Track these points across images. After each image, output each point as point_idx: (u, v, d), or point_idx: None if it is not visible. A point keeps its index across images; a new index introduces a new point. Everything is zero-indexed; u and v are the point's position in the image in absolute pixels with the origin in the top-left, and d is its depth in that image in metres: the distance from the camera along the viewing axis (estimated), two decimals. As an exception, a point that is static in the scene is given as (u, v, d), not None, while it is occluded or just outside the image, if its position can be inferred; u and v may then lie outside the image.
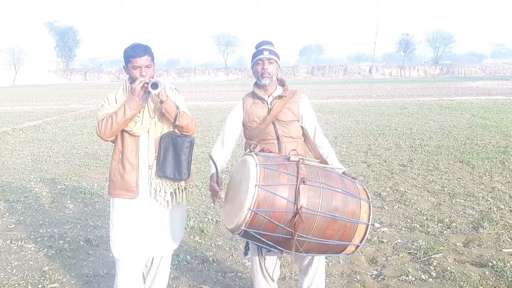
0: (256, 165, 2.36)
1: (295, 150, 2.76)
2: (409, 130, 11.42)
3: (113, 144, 2.83)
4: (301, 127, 2.90)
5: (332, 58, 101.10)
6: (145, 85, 2.60)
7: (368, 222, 2.45)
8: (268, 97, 2.84)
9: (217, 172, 2.78)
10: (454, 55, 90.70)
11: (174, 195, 2.80)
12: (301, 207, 2.30)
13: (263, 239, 2.41)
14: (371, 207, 2.50)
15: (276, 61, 2.81)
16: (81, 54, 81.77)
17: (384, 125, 12.59)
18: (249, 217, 2.30)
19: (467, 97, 22.43)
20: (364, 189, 2.56)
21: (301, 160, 2.45)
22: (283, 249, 2.43)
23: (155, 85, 2.56)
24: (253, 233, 2.37)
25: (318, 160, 2.76)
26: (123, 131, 2.70)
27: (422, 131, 11.20)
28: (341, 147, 9.09)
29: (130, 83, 2.74)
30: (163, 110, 2.68)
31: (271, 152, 2.67)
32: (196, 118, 14.76)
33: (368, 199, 2.51)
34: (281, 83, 2.92)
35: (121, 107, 2.63)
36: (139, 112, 2.66)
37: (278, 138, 2.79)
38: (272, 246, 2.47)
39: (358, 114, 15.46)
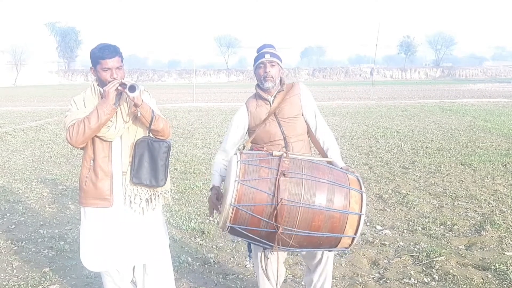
0: (237, 162, 2.40)
1: (285, 147, 2.74)
2: (410, 132, 11.40)
3: (82, 151, 2.68)
4: (305, 121, 2.86)
5: (333, 60, 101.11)
6: (119, 87, 2.48)
7: (360, 212, 2.40)
8: (271, 97, 2.83)
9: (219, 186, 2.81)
10: (455, 58, 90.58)
11: (149, 201, 2.69)
12: (281, 199, 2.30)
13: (250, 235, 2.43)
14: (364, 197, 2.43)
15: (278, 64, 2.78)
16: (82, 54, 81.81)
17: (385, 127, 12.58)
18: (232, 213, 2.34)
19: (469, 100, 22.41)
20: (357, 179, 2.50)
21: (284, 154, 2.45)
22: (273, 244, 2.41)
23: (132, 88, 2.44)
24: (239, 229, 2.40)
25: (310, 154, 2.76)
26: (94, 136, 2.56)
27: (423, 133, 11.18)
28: (343, 149, 9.07)
29: (98, 85, 2.62)
30: (138, 114, 2.54)
31: (259, 150, 2.67)
32: (197, 120, 14.49)
33: (361, 189, 2.45)
34: (280, 80, 2.87)
35: (94, 111, 2.48)
36: (112, 116, 2.53)
37: (285, 139, 2.76)
38: (262, 242, 2.47)
39: (359, 116, 15.45)
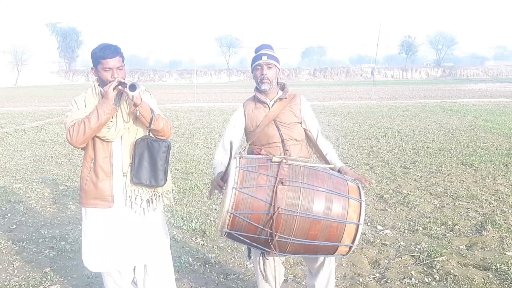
0: (236, 168, 2.38)
1: (287, 150, 2.75)
2: (411, 132, 11.39)
3: (83, 151, 2.67)
4: (304, 129, 2.90)
5: (334, 60, 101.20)
6: (119, 86, 2.47)
7: (358, 221, 2.38)
8: (270, 101, 2.84)
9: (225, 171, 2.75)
10: (457, 57, 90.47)
11: (150, 202, 2.68)
12: (278, 208, 2.29)
13: (247, 240, 2.43)
14: (363, 206, 2.41)
15: (275, 66, 2.78)
16: (83, 55, 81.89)
17: (386, 127, 12.57)
18: (229, 219, 2.33)
19: (470, 99, 22.39)
20: (357, 187, 2.49)
21: (284, 161, 2.43)
22: (269, 250, 2.41)
23: (133, 87, 2.43)
24: (236, 235, 2.40)
25: (308, 158, 2.76)
26: (94, 137, 2.55)
27: (424, 133, 11.17)
28: (343, 149, 9.08)
29: (99, 85, 2.61)
30: (138, 114, 2.53)
31: (259, 154, 2.65)
32: (198, 120, 14.46)
33: (360, 197, 2.43)
34: (282, 87, 2.91)
35: (94, 111, 2.48)
36: (112, 117, 2.53)
37: (282, 141, 2.77)
38: (258, 247, 2.47)
39: (360, 116, 15.44)
